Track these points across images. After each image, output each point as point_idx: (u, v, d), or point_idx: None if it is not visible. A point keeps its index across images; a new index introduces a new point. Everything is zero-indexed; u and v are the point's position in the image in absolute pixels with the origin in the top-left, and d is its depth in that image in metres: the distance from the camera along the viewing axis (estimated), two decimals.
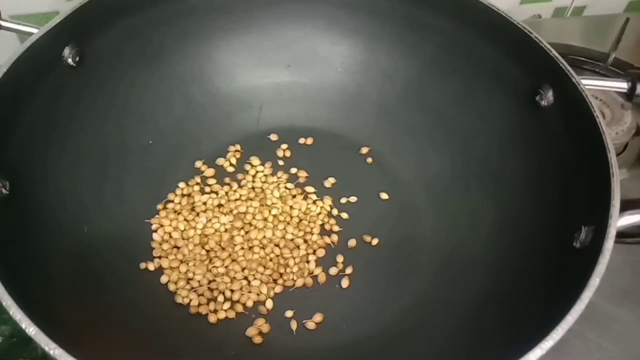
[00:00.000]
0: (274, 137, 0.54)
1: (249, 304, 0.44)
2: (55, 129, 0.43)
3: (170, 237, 0.47)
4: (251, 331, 0.42)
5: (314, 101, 0.55)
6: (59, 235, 0.41)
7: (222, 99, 0.54)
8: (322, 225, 0.48)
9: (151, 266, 0.45)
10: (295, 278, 0.45)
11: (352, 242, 0.47)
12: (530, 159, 0.44)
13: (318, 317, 0.43)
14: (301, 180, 0.51)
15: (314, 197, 0.50)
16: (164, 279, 0.44)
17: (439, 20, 0.48)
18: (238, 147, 0.53)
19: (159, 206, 0.48)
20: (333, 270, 0.46)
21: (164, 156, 0.50)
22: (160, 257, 0.45)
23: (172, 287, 0.44)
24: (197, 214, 0.48)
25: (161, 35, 0.50)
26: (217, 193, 0.50)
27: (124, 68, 0.48)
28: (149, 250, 0.46)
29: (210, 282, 0.45)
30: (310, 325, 0.43)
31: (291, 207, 0.49)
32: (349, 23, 0.53)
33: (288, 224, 0.48)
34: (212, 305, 0.43)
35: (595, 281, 0.31)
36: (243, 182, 0.51)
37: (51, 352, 0.28)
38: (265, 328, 0.42)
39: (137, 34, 0.48)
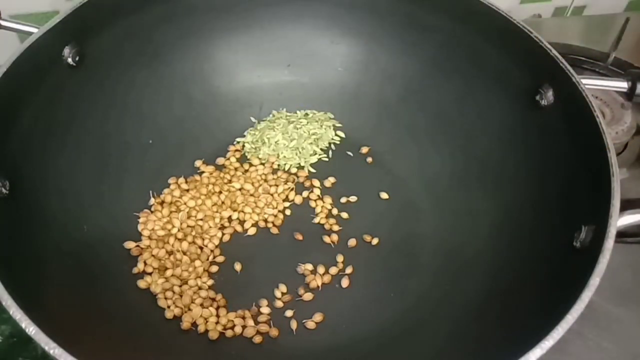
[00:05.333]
0: None
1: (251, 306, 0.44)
2: (55, 129, 0.43)
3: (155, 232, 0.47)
4: (251, 331, 0.42)
5: (314, 100, 0.55)
6: (59, 234, 0.41)
7: (222, 99, 0.54)
8: (321, 225, 0.48)
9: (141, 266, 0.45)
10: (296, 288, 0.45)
11: (352, 242, 0.47)
12: (531, 159, 0.44)
13: (318, 317, 0.43)
14: (301, 179, 0.51)
15: (317, 192, 0.50)
16: (153, 288, 0.44)
17: (439, 20, 0.48)
18: (238, 146, 0.53)
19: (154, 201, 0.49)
20: (333, 270, 0.46)
21: (164, 156, 0.50)
22: (145, 263, 0.45)
23: (162, 303, 0.43)
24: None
25: (161, 34, 0.50)
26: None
27: (123, 67, 0.48)
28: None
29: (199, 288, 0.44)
30: (310, 325, 0.43)
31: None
32: (349, 22, 0.53)
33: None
34: (207, 312, 0.43)
35: (595, 281, 0.31)
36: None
37: (51, 352, 0.28)
38: (265, 328, 0.42)
39: (137, 34, 0.48)
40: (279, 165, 0.52)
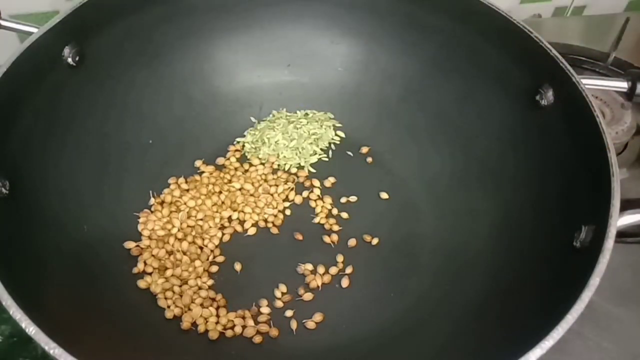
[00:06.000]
0: None
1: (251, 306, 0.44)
2: (55, 129, 0.43)
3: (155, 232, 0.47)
4: (251, 331, 0.42)
5: (314, 101, 0.55)
6: (59, 234, 0.41)
7: (222, 99, 0.54)
8: (321, 225, 0.48)
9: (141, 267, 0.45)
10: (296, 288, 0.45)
11: (352, 242, 0.47)
12: (531, 159, 0.44)
13: (318, 317, 0.43)
14: (301, 179, 0.51)
15: (317, 192, 0.50)
16: (153, 288, 0.44)
17: (439, 20, 0.48)
18: (238, 146, 0.53)
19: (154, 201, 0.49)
20: (333, 270, 0.46)
21: (164, 156, 0.50)
22: (146, 263, 0.45)
23: (162, 303, 0.43)
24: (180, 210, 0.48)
25: (161, 34, 0.50)
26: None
27: (123, 67, 0.48)
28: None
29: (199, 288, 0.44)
30: (310, 325, 0.43)
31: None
32: (349, 22, 0.53)
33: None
34: (207, 312, 0.43)
35: (595, 281, 0.31)
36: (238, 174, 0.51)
37: (51, 352, 0.28)
38: (265, 328, 0.42)
39: (136, 34, 0.48)
40: (279, 165, 0.52)
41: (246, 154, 0.53)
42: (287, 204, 0.50)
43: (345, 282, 0.45)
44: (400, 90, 0.53)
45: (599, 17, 0.74)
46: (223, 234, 0.47)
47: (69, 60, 0.43)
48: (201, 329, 0.42)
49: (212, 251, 0.46)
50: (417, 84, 0.52)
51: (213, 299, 0.44)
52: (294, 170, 0.52)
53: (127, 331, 0.40)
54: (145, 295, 0.43)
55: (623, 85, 0.44)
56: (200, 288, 0.44)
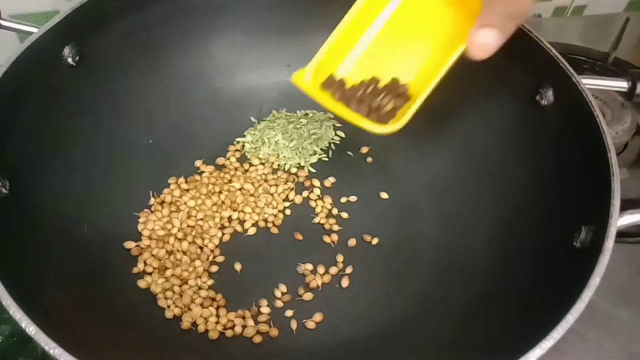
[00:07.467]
0: None
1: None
2: (55, 129, 0.43)
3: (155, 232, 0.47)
4: (251, 331, 0.42)
5: (314, 101, 0.55)
6: (59, 234, 0.41)
7: (222, 99, 0.54)
8: (321, 225, 0.48)
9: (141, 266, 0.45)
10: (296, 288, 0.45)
11: (352, 242, 0.47)
12: (531, 159, 0.44)
13: (318, 317, 0.43)
14: (301, 179, 0.51)
15: (317, 192, 0.50)
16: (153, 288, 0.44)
17: None
18: (238, 146, 0.53)
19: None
20: (333, 270, 0.46)
21: (164, 156, 0.50)
22: (145, 263, 0.45)
23: (162, 303, 0.43)
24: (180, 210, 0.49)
25: (161, 34, 0.50)
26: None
27: (123, 67, 0.48)
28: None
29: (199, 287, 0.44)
30: (310, 324, 0.43)
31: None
32: None
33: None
34: (207, 312, 0.43)
35: (595, 281, 0.31)
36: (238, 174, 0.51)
37: (51, 352, 0.28)
38: (265, 328, 0.42)
39: (137, 34, 0.48)
40: (279, 165, 0.52)
41: (246, 153, 0.53)
42: (287, 204, 0.50)
43: (345, 282, 0.45)
44: None
45: (599, 17, 0.74)
46: (223, 234, 0.47)
47: (69, 60, 0.43)
48: (201, 328, 0.42)
49: (212, 251, 0.46)
50: None
51: (213, 299, 0.44)
52: (294, 170, 0.52)
53: (127, 331, 0.40)
54: (145, 295, 0.43)
55: (623, 85, 0.44)
56: (200, 288, 0.44)
